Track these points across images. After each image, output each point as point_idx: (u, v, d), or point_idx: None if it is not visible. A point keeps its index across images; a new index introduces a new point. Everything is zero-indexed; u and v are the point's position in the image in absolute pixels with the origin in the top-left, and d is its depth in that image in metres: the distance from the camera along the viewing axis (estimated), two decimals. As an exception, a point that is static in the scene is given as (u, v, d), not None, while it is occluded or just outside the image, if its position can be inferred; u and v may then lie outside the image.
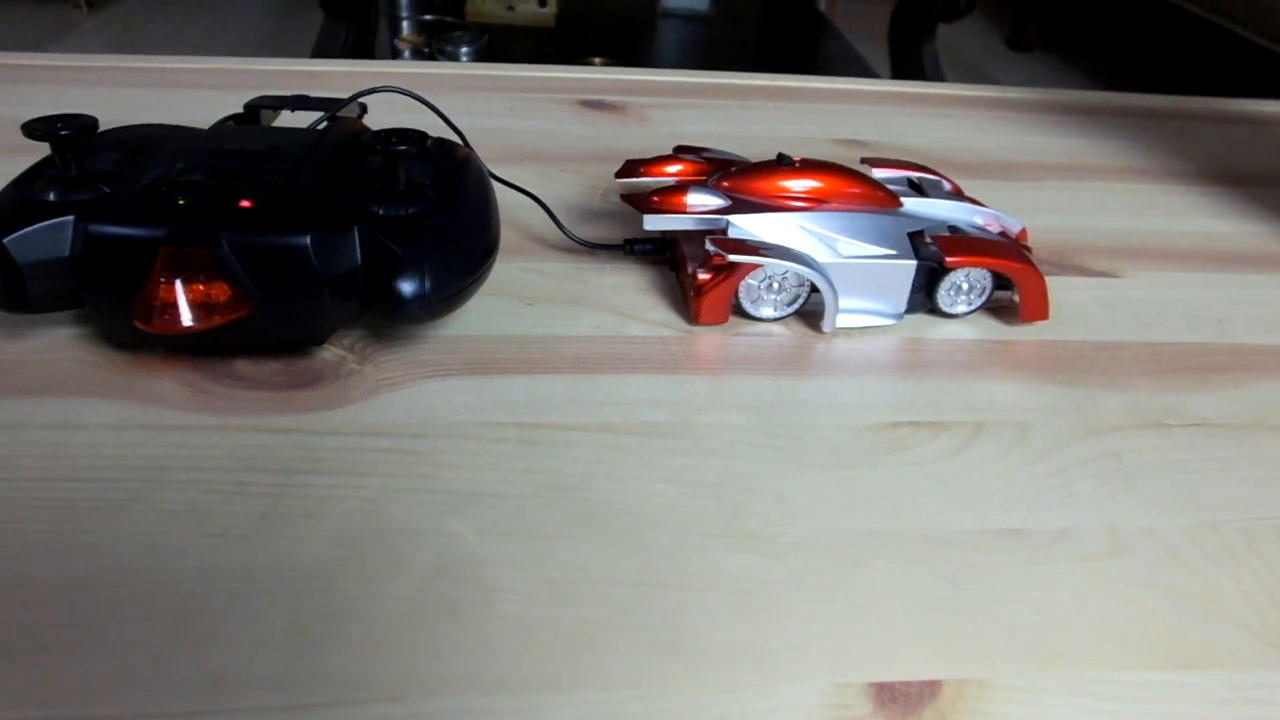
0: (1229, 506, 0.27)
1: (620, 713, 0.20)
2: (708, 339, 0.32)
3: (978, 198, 0.39)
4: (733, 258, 0.31)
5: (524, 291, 0.34)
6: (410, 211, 0.29)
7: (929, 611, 0.23)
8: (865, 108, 0.54)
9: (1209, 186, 0.47)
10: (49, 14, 2.04)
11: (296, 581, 0.22)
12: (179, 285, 0.25)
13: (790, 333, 0.33)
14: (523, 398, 0.29)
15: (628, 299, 0.34)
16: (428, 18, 1.35)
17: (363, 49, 1.21)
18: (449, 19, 1.36)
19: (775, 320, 0.33)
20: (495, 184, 0.34)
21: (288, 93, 0.37)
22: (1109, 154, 0.50)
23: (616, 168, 0.44)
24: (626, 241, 0.35)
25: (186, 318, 0.25)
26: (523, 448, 0.27)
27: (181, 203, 0.27)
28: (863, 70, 1.48)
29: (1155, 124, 0.55)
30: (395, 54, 1.28)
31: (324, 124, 0.33)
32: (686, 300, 0.33)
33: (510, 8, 1.53)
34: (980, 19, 2.38)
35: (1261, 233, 0.43)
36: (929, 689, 0.21)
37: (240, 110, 0.35)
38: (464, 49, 1.23)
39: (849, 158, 0.46)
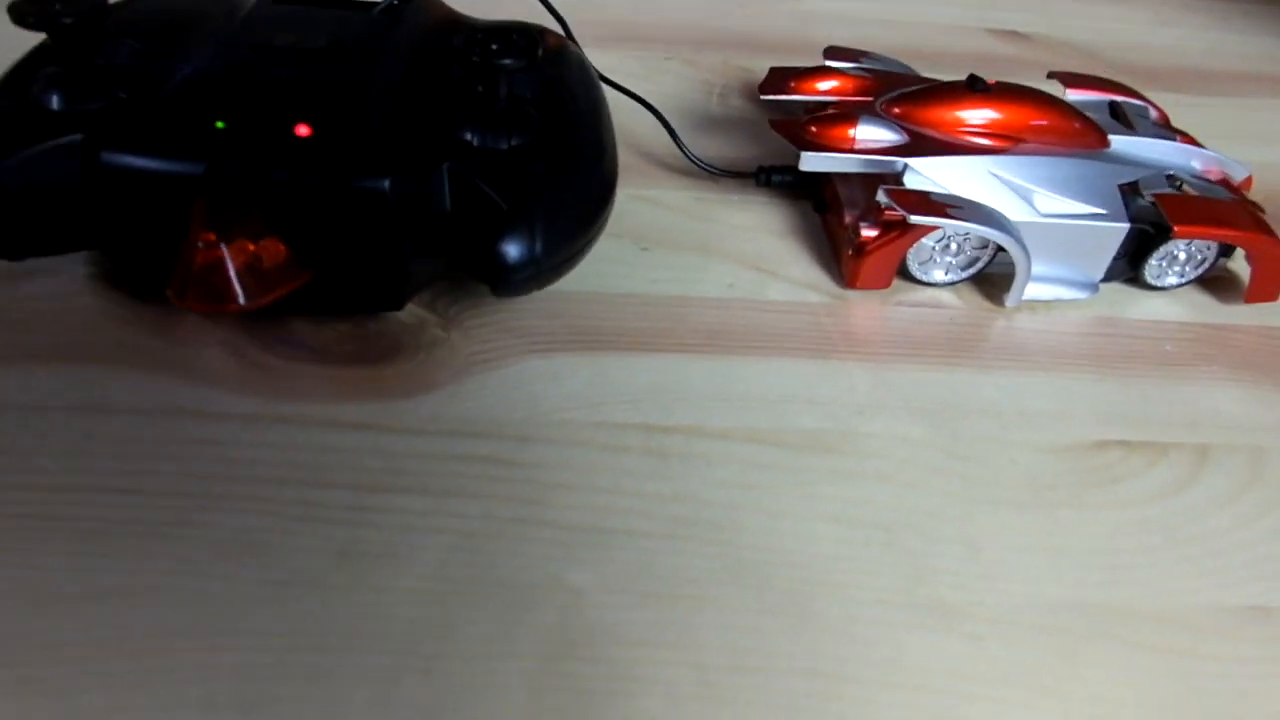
0: None
1: None
2: (864, 308, 0.26)
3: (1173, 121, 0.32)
4: (914, 219, 0.24)
5: (638, 229, 0.28)
6: (513, 144, 0.22)
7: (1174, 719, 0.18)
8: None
9: None
10: None
11: (388, 655, 0.18)
12: (225, 251, 0.20)
13: (963, 303, 0.27)
14: (646, 387, 0.23)
15: (763, 246, 0.28)
16: None
17: None
18: None
19: (945, 285, 0.27)
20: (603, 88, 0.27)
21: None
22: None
23: (730, 54, 0.36)
24: (761, 170, 0.29)
25: (236, 294, 0.20)
26: (652, 461, 0.22)
27: (220, 126, 0.21)
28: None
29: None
30: None
31: (394, 3, 0.26)
32: (838, 256, 0.27)
33: None
34: None
35: None
36: (1180, 843, 0.17)
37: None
38: None
39: (1010, 56, 0.39)
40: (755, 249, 0.28)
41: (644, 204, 0.29)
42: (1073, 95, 0.30)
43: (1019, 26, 0.41)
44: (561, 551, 0.20)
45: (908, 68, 0.31)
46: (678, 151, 0.30)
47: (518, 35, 0.22)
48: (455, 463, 0.21)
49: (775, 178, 0.29)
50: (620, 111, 0.28)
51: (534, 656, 0.18)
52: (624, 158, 0.30)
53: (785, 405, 0.23)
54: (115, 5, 0.24)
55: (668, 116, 0.31)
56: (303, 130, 0.21)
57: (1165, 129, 0.30)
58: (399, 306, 0.23)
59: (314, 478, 0.20)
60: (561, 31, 0.29)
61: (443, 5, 0.27)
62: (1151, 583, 0.21)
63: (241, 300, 0.20)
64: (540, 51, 0.23)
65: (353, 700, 0.17)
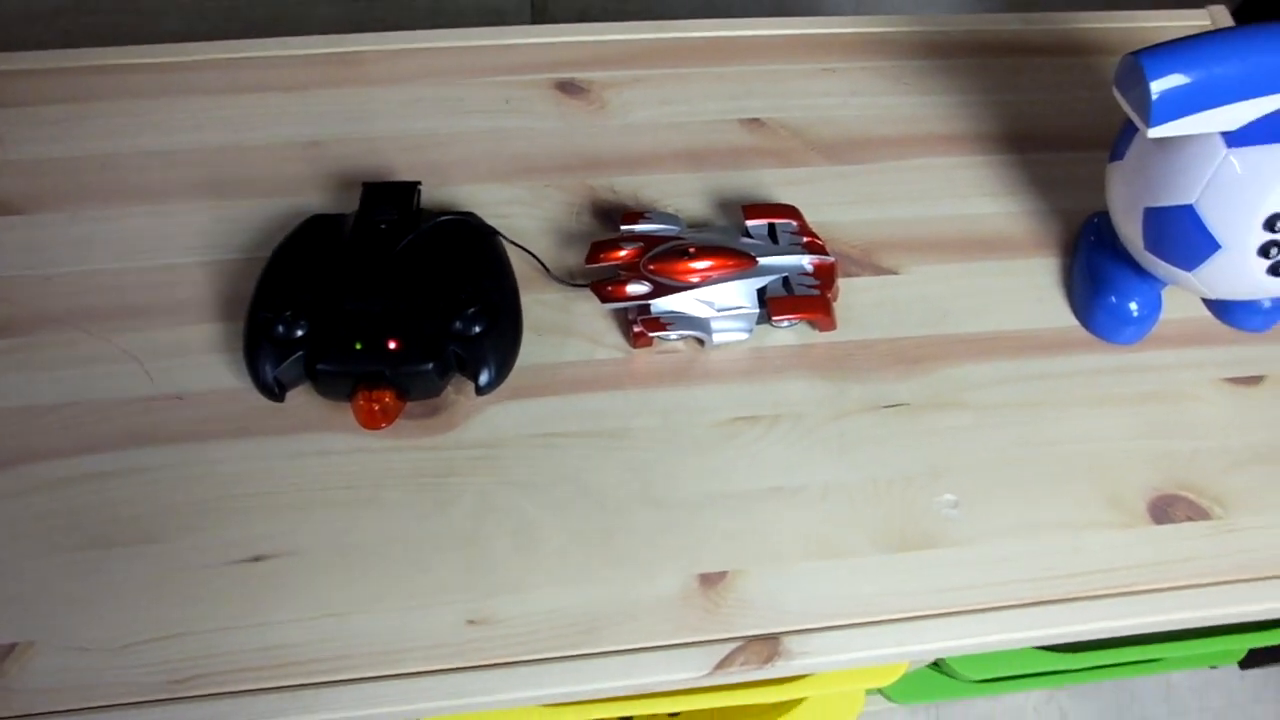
0: (891, 466, 0.56)
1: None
2: (640, 359, 0.58)
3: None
4: (653, 335, 0.55)
5: (535, 322, 0.58)
6: (480, 330, 0.53)
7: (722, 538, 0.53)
8: (765, 67, 0.70)
9: (1004, 154, 0.67)
10: None
11: (457, 538, 0.52)
12: (370, 402, 0.51)
13: (686, 348, 0.58)
14: (542, 415, 0.56)
15: (595, 325, 0.59)
16: None
17: None
18: None
19: (678, 340, 0.58)
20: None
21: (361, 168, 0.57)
22: (939, 117, 0.69)
23: (584, 174, 0.65)
24: (592, 283, 0.59)
25: (380, 419, 0.52)
26: (544, 449, 0.55)
27: (359, 347, 0.52)
28: None
29: (987, 66, 0.72)
30: None
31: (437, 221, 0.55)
32: (628, 329, 0.58)
33: None
34: None
35: (1021, 212, 0.65)
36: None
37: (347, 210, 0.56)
38: None
39: (751, 145, 0.66)
40: (591, 328, 0.59)
41: (538, 305, 0.59)
42: (750, 222, 0.60)
43: (759, 113, 0.68)
44: (517, 493, 0.53)
45: (674, 218, 0.59)
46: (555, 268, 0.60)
47: (484, 309, 0.52)
48: (465, 459, 0.54)
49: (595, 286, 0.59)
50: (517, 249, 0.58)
51: (508, 532, 0.52)
52: (524, 274, 0.60)
53: (599, 416, 0.56)
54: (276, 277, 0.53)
55: (548, 236, 0.61)
56: (393, 344, 0.52)
57: (801, 234, 0.60)
58: (439, 394, 0.55)
59: (415, 470, 0.53)
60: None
61: (462, 221, 0.56)
62: (751, 479, 0.54)
63: (383, 424, 0.52)
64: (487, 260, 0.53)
65: (445, 555, 0.52)
